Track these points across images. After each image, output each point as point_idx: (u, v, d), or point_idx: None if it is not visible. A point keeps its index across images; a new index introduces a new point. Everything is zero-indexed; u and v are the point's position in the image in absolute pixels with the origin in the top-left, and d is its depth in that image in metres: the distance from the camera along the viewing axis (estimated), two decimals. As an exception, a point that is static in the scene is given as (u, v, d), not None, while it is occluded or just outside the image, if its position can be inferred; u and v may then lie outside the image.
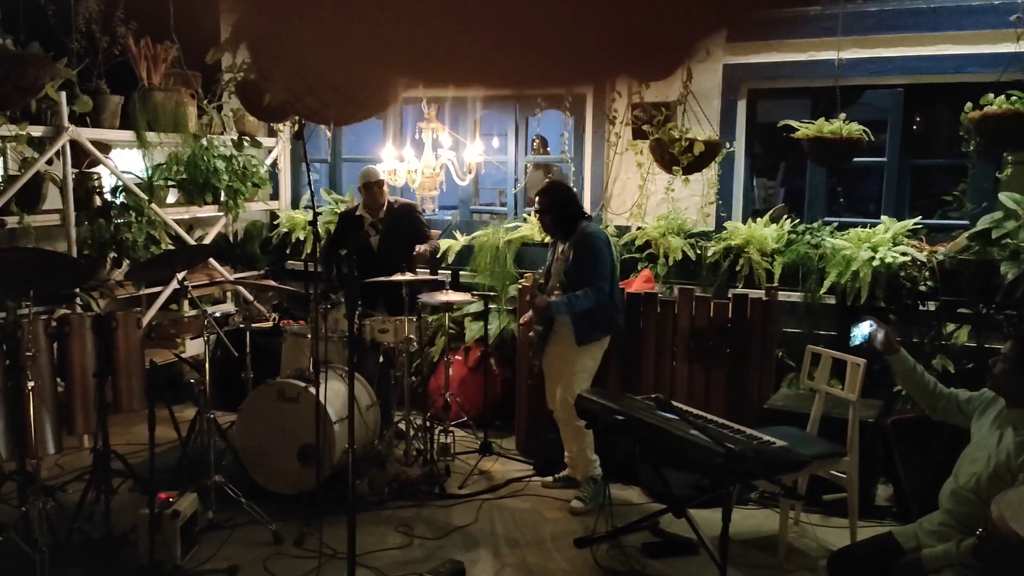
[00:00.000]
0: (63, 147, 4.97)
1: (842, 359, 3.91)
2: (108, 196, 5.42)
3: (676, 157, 4.76)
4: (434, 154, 5.65)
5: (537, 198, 4.48)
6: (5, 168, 5.06)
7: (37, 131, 4.84)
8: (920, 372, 3.14)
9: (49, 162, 4.99)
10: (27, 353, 3.49)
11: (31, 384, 3.48)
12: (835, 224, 5.19)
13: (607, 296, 4.29)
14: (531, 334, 4.50)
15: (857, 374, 3.76)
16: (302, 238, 6.52)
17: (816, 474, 3.87)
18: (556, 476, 4.67)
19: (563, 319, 4.33)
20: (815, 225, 5.22)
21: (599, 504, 4.15)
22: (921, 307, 4.72)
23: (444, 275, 5.41)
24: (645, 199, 5.63)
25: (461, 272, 5.89)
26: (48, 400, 3.68)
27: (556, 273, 4.39)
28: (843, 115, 4.49)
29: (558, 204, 4.39)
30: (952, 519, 2.84)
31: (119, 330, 3.85)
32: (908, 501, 4.20)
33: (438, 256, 5.76)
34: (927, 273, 4.67)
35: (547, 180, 4.75)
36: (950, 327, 4.71)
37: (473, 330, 5.71)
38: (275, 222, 6.80)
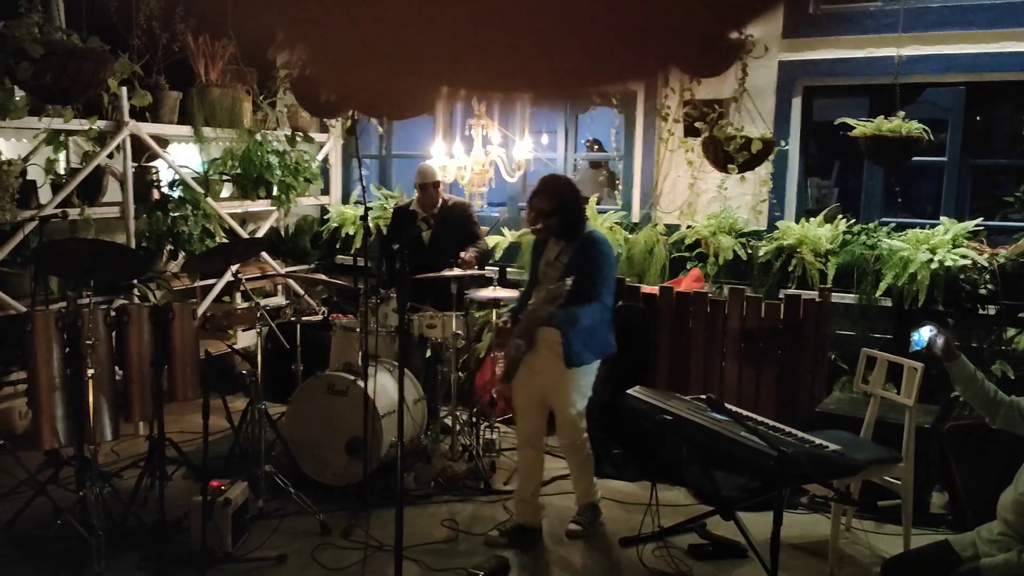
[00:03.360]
0: (123, 141, 5.10)
1: (898, 363, 3.82)
2: (165, 189, 5.55)
3: (730, 155, 4.70)
4: (483, 150, 5.66)
5: (536, 198, 3.82)
6: (67, 161, 5.21)
7: (99, 125, 4.97)
8: (980, 379, 3.05)
9: (110, 156, 5.12)
10: (87, 342, 3.58)
11: (91, 372, 3.58)
12: (892, 225, 5.07)
13: (609, 312, 3.83)
14: (512, 350, 3.88)
15: (914, 378, 3.67)
16: (352, 233, 6.59)
17: (869, 480, 3.79)
18: (501, 530, 3.97)
19: (550, 339, 3.76)
20: (871, 226, 5.10)
21: (597, 529, 3.98)
22: (981, 311, 4.59)
23: (492, 271, 5.42)
24: (695, 197, 5.57)
25: (509, 268, 5.90)
26: (106, 388, 3.77)
27: (549, 279, 3.84)
28: (902, 113, 4.39)
29: (569, 202, 3.79)
30: (1011, 528, 2.76)
31: (175, 321, 3.94)
32: (964, 509, 4.09)
33: (487, 254, 5.77)
34: (987, 276, 4.54)
35: (547, 175, 4.09)
36: (1011, 332, 4.57)
37: (520, 327, 5.70)
38: (325, 217, 6.89)
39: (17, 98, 4.35)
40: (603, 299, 3.74)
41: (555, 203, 3.76)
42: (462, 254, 4.93)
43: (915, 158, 4.53)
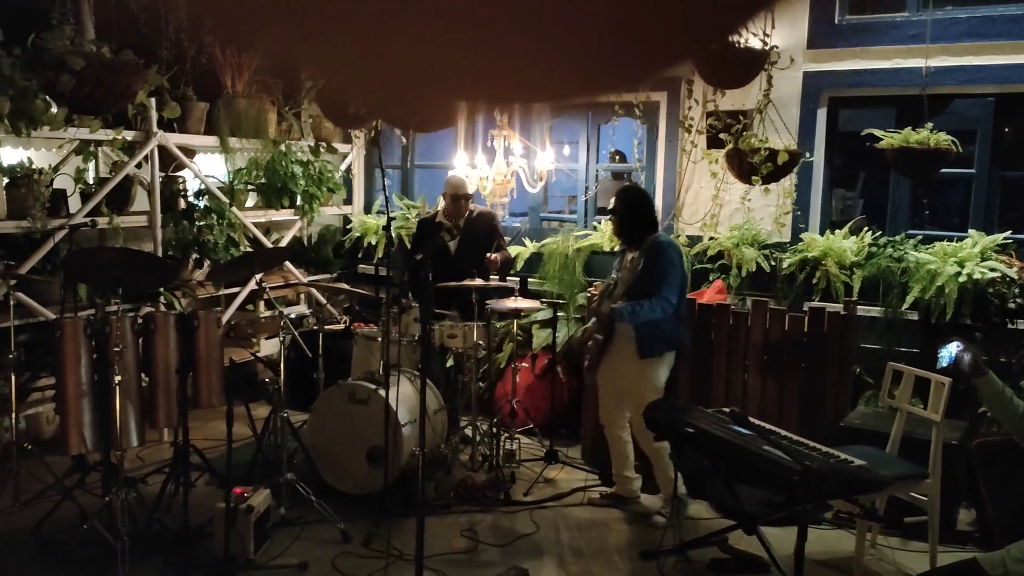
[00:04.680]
0: (151, 151, 5.17)
1: (925, 377, 3.77)
2: (192, 199, 5.61)
3: (755, 167, 4.68)
4: (505, 161, 5.68)
5: (612, 199, 4.42)
6: (97, 171, 5.29)
7: (128, 136, 5.05)
8: (1009, 396, 3.00)
9: (138, 165, 5.19)
10: (115, 349, 3.63)
11: (118, 378, 3.62)
12: (919, 237, 5.01)
13: (673, 308, 4.13)
14: (590, 343, 4.34)
15: (941, 393, 3.62)
16: (374, 242, 6.63)
17: (895, 496, 3.74)
18: (603, 494, 4.58)
19: (625, 331, 4.16)
20: (898, 238, 5.05)
21: (682, 521, 4.09)
22: (1010, 325, 4.52)
23: (513, 282, 5.43)
24: (718, 208, 5.54)
25: (530, 279, 5.90)
26: (133, 395, 3.81)
27: (623, 281, 4.26)
28: (930, 124, 4.34)
29: (627, 207, 4.27)
30: (1042, 548, 2.70)
31: (200, 328, 3.97)
32: (992, 527, 4.02)
33: (510, 262, 5.78)
34: (1017, 290, 4.47)
35: (624, 185, 4.73)
36: (1041, 347, 4.50)
37: (541, 337, 5.70)
38: (348, 226, 6.93)
39: (54, 110, 4.43)
40: (664, 295, 4.07)
41: (616, 204, 4.31)
42: (489, 254, 4.98)
43: (943, 170, 4.48)
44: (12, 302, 4.33)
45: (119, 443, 3.67)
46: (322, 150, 6.36)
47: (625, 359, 4.18)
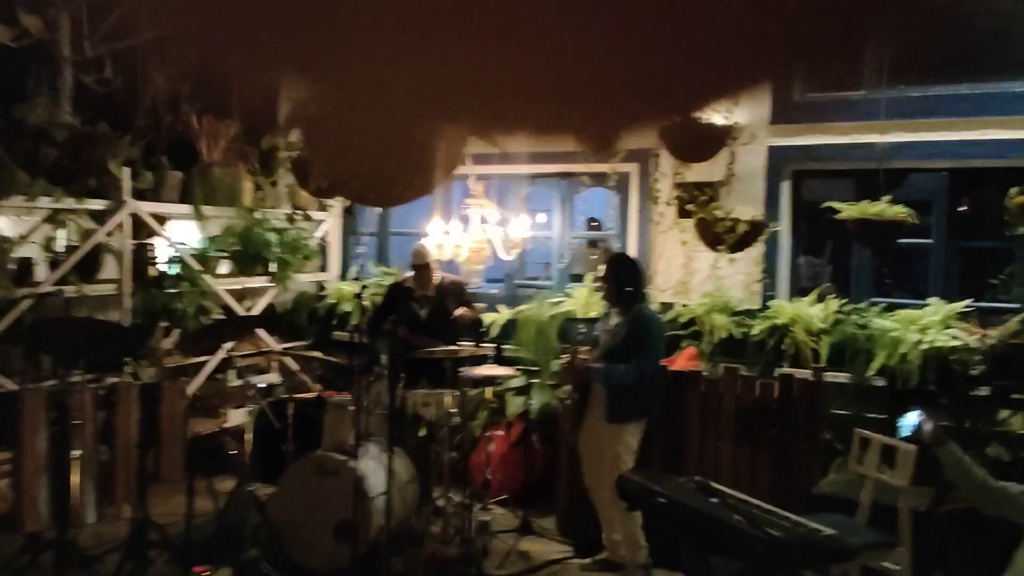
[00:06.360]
0: (123, 220, 5.16)
1: (892, 444, 3.79)
2: (163, 267, 5.58)
3: (720, 236, 4.77)
4: (480, 229, 5.73)
5: (603, 265, 4.58)
6: (68, 238, 5.27)
7: (99, 204, 5.04)
8: (968, 465, 3.02)
9: (109, 233, 5.17)
10: (74, 422, 3.56)
11: (77, 452, 3.54)
12: (883, 305, 5.10)
13: (647, 377, 4.23)
14: (567, 401, 4.41)
15: (907, 461, 3.64)
16: (348, 310, 6.61)
17: (867, 565, 3.71)
18: (595, 558, 4.55)
19: (599, 394, 4.30)
20: (862, 305, 5.13)
21: None
22: (973, 392, 4.57)
23: (488, 348, 5.43)
24: (689, 276, 5.61)
25: (504, 346, 5.90)
26: (91, 468, 3.72)
27: (603, 345, 4.37)
28: (888, 197, 4.47)
29: (615, 275, 4.40)
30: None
31: (164, 400, 3.92)
32: (965, 597, 3.99)
33: (481, 329, 5.79)
34: (978, 357, 4.54)
35: (616, 252, 5.04)
36: (1004, 413, 4.55)
37: (515, 405, 5.66)
38: (322, 293, 6.92)
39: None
40: (640, 363, 4.19)
41: (607, 270, 4.44)
42: (458, 310, 5.09)
43: (903, 240, 4.59)
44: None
45: (75, 519, 3.57)
46: (297, 218, 6.39)
47: (600, 423, 4.28)
